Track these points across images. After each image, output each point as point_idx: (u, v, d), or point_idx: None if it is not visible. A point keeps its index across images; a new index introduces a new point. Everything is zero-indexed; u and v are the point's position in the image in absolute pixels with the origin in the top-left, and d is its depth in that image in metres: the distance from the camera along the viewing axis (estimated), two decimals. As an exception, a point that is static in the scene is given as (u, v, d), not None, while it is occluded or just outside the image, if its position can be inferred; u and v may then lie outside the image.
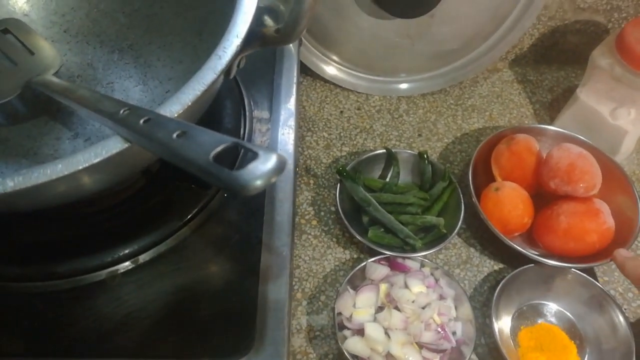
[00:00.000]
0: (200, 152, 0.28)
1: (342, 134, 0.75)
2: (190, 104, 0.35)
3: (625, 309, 0.61)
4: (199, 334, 0.44)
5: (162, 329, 0.44)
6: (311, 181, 0.70)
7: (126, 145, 0.33)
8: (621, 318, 0.57)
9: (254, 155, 0.27)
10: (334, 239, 0.65)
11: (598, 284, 0.59)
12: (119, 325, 0.43)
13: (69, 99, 0.40)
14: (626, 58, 0.62)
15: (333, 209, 0.67)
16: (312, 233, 0.66)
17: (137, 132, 0.32)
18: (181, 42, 0.54)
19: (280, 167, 0.26)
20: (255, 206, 0.50)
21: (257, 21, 0.41)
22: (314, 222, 0.66)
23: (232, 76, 0.43)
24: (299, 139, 0.73)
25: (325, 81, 0.79)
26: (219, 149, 0.28)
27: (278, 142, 0.54)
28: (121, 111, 0.34)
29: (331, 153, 0.73)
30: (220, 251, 0.48)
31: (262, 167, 0.26)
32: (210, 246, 0.48)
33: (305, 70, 0.79)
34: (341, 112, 0.77)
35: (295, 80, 0.59)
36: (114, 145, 0.33)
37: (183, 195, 0.50)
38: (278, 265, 0.46)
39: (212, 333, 0.44)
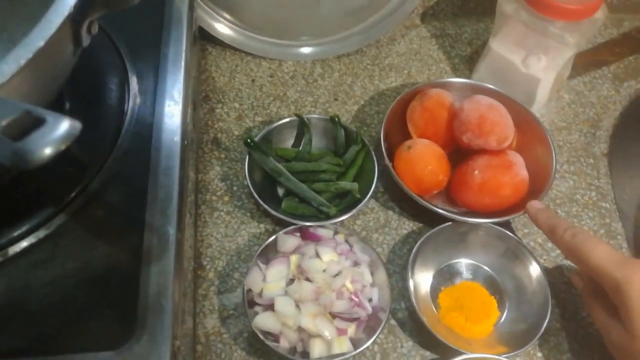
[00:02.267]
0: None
1: (254, 104, 0.71)
2: (12, 74, 0.31)
3: (544, 259, 0.61)
4: (78, 326, 0.41)
5: (36, 325, 0.40)
6: (222, 155, 0.66)
7: None
8: (537, 267, 0.56)
9: (41, 122, 0.23)
10: (248, 214, 0.62)
11: (513, 235, 0.58)
12: (-15, 326, 0.40)
13: None
14: (530, 2, 0.60)
15: (246, 182, 0.64)
16: (224, 209, 0.62)
17: None
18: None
19: (71, 133, 0.23)
20: (140, 185, 0.47)
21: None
22: (226, 198, 0.63)
23: (85, 44, 0.39)
24: (209, 111, 0.70)
25: (235, 49, 0.75)
26: (8, 119, 0.24)
27: (164, 115, 0.50)
28: None
29: (243, 124, 0.69)
30: (101, 235, 0.44)
31: (48, 133, 0.23)
32: (90, 231, 0.45)
33: (212, 40, 0.75)
34: (253, 80, 0.74)
35: (184, 48, 0.55)
36: None
37: (58, 179, 0.46)
38: (162, 246, 0.43)
39: (92, 324, 0.41)
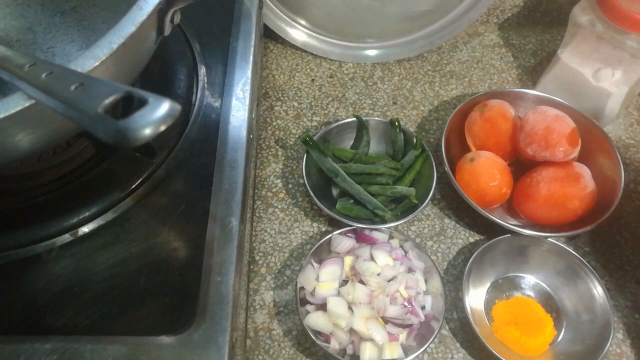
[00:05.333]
0: (91, 103, 0.25)
1: (313, 103, 0.71)
2: (104, 57, 0.32)
3: (606, 280, 0.58)
4: (139, 309, 0.41)
5: (100, 304, 0.41)
6: (279, 153, 0.67)
7: (28, 102, 0.30)
8: (599, 289, 0.54)
9: (144, 103, 0.23)
10: (302, 212, 0.62)
11: (575, 253, 0.56)
12: (54, 302, 0.41)
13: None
14: (608, 13, 0.58)
15: (302, 181, 0.64)
16: (279, 206, 0.63)
17: (37, 87, 0.29)
18: (126, 3, 0.50)
19: (171, 115, 0.23)
20: (204, 175, 0.47)
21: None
22: (281, 195, 0.63)
23: (166, 33, 0.40)
24: (268, 108, 0.70)
25: (297, 48, 0.76)
26: (111, 98, 0.25)
27: (231, 108, 0.51)
28: (27, 65, 0.31)
29: (301, 123, 0.69)
30: (165, 223, 0.45)
31: (149, 114, 0.23)
32: (155, 217, 0.45)
33: (275, 38, 0.76)
34: (312, 80, 0.74)
35: (253, 43, 0.56)
36: (15, 103, 0.30)
37: (127, 165, 0.47)
38: (225, 237, 0.44)
39: (153, 308, 0.41)
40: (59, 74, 0.29)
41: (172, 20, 0.40)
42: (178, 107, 0.23)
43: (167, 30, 0.40)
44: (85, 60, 0.32)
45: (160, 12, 0.37)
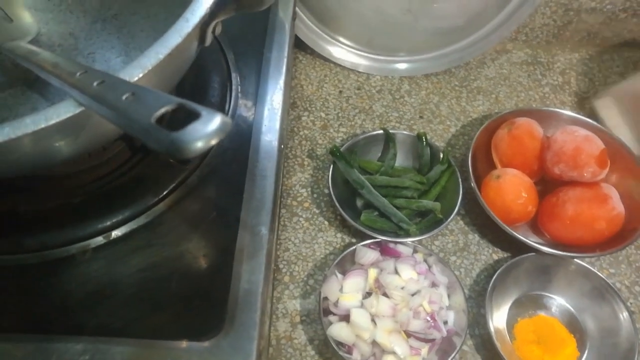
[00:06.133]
0: (144, 113, 0.26)
1: (340, 115, 0.72)
2: (151, 67, 0.33)
3: (631, 303, 0.58)
4: (168, 314, 0.42)
5: (130, 307, 0.42)
6: (305, 162, 0.67)
7: (79, 109, 0.31)
8: (625, 312, 0.54)
9: (196, 116, 0.24)
10: (326, 222, 0.63)
11: (601, 275, 0.55)
12: (86, 303, 0.42)
13: (30, 62, 0.38)
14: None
15: (327, 191, 0.65)
16: (304, 215, 0.63)
17: (88, 95, 0.30)
18: (165, 12, 0.52)
19: (222, 129, 0.24)
20: (236, 184, 0.48)
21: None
22: (306, 205, 0.64)
23: (207, 43, 0.41)
24: (296, 118, 0.71)
25: (325, 60, 0.77)
26: (163, 110, 0.26)
27: (264, 117, 0.52)
28: (78, 73, 0.32)
29: (328, 134, 0.70)
30: (196, 229, 0.46)
31: (202, 127, 0.24)
32: (186, 223, 0.46)
33: (304, 48, 0.77)
34: (340, 91, 0.74)
35: (286, 54, 0.57)
36: (66, 109, 0.31)
37: (160, 171, 0.48)
38: (255, 245, 0.44)
39: (182, 313, 0.42)
40: (110, 83, 0.30)
41: (213, 32, 0.41)
42: (229, 121, 0.24)
43: (208, 41, 0.41)
44: (133, 70, 0.33)
45: (203, 24, 0.38)
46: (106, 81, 0.30)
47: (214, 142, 0.24)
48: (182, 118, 0.25)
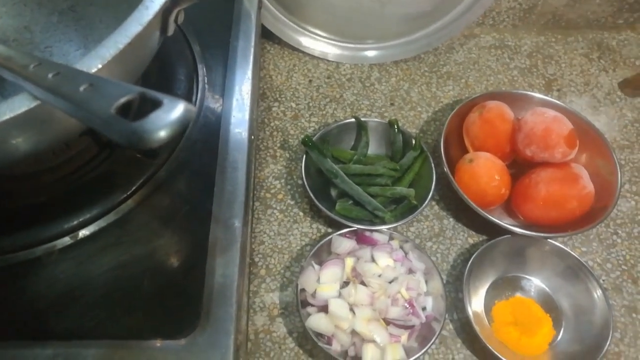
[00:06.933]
0: (103, 104, 0.25)
1: (310, 104, 0.71)
2: (110, 58, 0.32)
3: (603, 280, 0.59)
4: (142, 313, 0.41)
5: (102, 307, 0.40)
6: (278, 154, 0.66)
7: (34, 103, 0.30)
8: (598, 289, 0.54)
9: (158, 104, 0.23)
10: (301, 213, 0.62)
11: (574, 254, 0.56)
12: (54, 306, 0.40)
13: (-19, 57, 0.36)
14: None
15: (300, 182, 0.64)
16: (278, 207, 0.62)
17: (44, 87, 0.29)
18: (126, 2, 0.50)
19: (186, 117, 0.23)
20: (206, 177, 0.47)
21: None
22: (280, 196, 0.63)
23: (169, 33, 0.40)
24: (266, 109, 0.70)
25: (293, 49, 0.76)
26: (123, 99, 0.24)
27: (232, 108, 0.51)
28: (31, 66, 0.31)
29: (299, 124, 0.69)
30: (167, 224, 0.45)
31: (165, 116, 0.23)
32: (156, 219, 0.45)
33: (272, 38, 0.75)
34: (310, 81, 0.73)
35: (253, 43, 0.55)
36: (20, 104, 0.30)
37: (128, 166, 0.47)
38: (228, 238, 0.43)
39: (156, 311, 0.41)
40: (66, 74, 0.29)
41: (175, 20, 0.39)
42: (193, 108, 0.23)
43: (171, 30, 0.40)
44: (91, 61, 0.31)
45: (165, 12, 0.37)
46: (62, 72, 0.29)
47: (178, 130, 0.23)
48: (150, 110, 0.24)
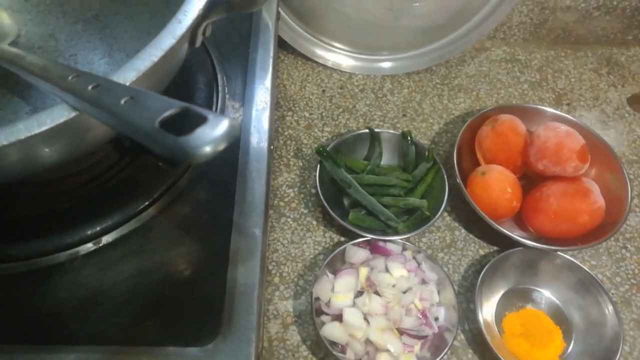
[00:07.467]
0: (146, 117, 0.25)
1: (324, 114, 0.72)
2: (145, 70, 0.32)
3: (612, 294, 0.60)
4: (163, 320, 0.41)
5: (123, 314, 0.41)
6: (291, 162, 0.67)
7: (73, 114, 0.30)
8: (608, 303, 0.55)
9: (203, 120, 0.24)
10: (314, 222, 0.63)
11: (585, 267, 0.57)
12: (77, 311, 0.41)
13: (16, 66, 0.37)
14: None
15: (314, 191, 0.65)
16: (292, 216, 0.63)
17: (84, 99, 0.29)
18: (149, 12, 0.51)
19: (231, 133, 0.24)
20: (227, 186, 0.47)
21: (222, -16, 0.38)
22: (294, 205, 0.64)
23: (197, 45, 0.40)
24: (280, 118, 0.71)
25: (307, 59, 0.76)
26: (166, 114, 0.25)
27: (252, 118, 0.51)
28: (69, 77, 0.31)
29: (312, 134, 0.70)
30: (188, 232, 0.45)
31: (210, 132, 0.23)
32: (178, 227, 0.46)
33: (286, 48, 0.76)
34: (323, 91, 0.74)
35: (272, 54, 0.56)
36: (59, 114, 0.30)
37: (149, 174, 0.47)
38: (249, 247, 0.44)
39: (177, 319, 0.41)
40: (106, 86, 0.29)
41: (204, 33, 0.40)
42: (237, 124, 0.24)
43: (199, 42, 0.40)
44: (127, 73, 0.32)
45: (195, 26, 0.37)
46: (101, 85, 0.30)
47: (222, 146, 0.24)
48: (181, 121, 0.25)
